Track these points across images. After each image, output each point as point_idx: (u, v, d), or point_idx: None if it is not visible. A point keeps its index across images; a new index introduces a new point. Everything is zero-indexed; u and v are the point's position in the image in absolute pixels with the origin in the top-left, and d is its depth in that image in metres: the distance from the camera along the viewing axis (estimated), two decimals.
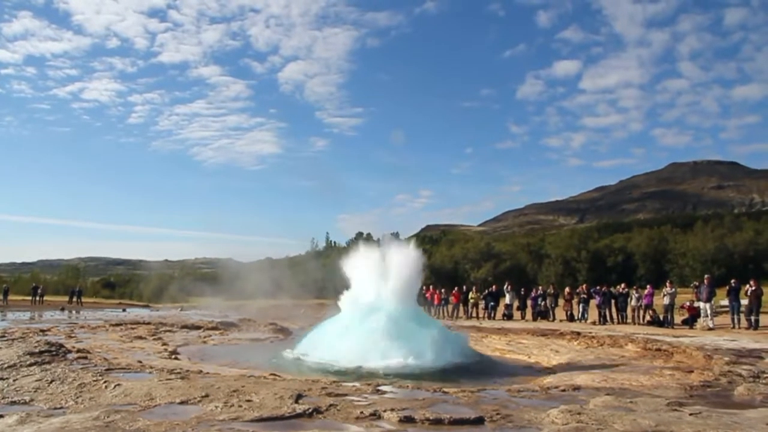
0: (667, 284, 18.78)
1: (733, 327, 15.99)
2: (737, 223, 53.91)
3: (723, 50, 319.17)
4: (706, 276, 18.39)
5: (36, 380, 6.44)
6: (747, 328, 15.57)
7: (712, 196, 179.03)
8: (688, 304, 17.96)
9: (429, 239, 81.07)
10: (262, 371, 8.51)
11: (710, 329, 15.86)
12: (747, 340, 12.77)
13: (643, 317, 18.48)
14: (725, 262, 41.40)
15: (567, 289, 22.32)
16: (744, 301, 16.52)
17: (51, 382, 6.35)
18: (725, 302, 19.95)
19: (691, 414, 5.21)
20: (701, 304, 17.02)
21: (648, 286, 19.89)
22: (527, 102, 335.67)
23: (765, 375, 7.75)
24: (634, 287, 20.49)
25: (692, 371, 8.40)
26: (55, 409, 5.20)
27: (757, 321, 15.59)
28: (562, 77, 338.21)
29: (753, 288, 16.00)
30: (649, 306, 18.57)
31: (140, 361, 8.91)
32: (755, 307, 15.83)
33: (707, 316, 16.60)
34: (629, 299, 19.23)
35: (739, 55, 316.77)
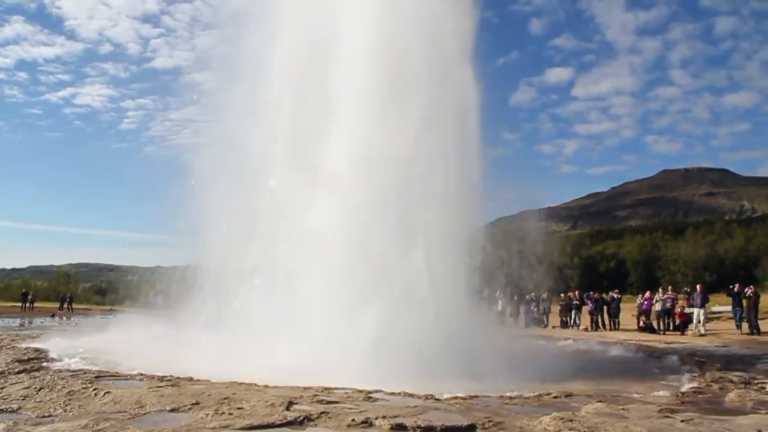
0: (660, 291, 18.83)
1: (744, 332, 15.92)
2: (728, 229, 54.47)
3: (714, 58, 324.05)
4: (699, 284, 18.44)
5: (24, 388, 6.36)
6: (749, 334, 15.61)
7: (703, 203, 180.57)
8: (679, 310, 18.04)
9: None
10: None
11: (702, 335, 15.92)
12: (738, 347, 12.85)
13: (637, 323, 18.49)
14: (716, 268, 41.72)
15: (562, 295, 22.32)
16: None
17: (39, 389, 6.27)
18: (717, 308, 20.06)
19: (682, 420, 5.22)
20: (694, 311, 17.09)
21: (647, 292, 19.91)
22: (520, 109, 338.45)
23: (756, 381, 7.78)
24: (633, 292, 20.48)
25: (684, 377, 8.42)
26: (44, 417, 5.12)
27: (754, 327, 15.65)
28: (555, 84, 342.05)
29: (750, 293, 16.06)
30: (646, 312, 18.58)
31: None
32: (753, 313, 15.90)
33: (699, 322, 16.67)
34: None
35: (729, 63, 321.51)
